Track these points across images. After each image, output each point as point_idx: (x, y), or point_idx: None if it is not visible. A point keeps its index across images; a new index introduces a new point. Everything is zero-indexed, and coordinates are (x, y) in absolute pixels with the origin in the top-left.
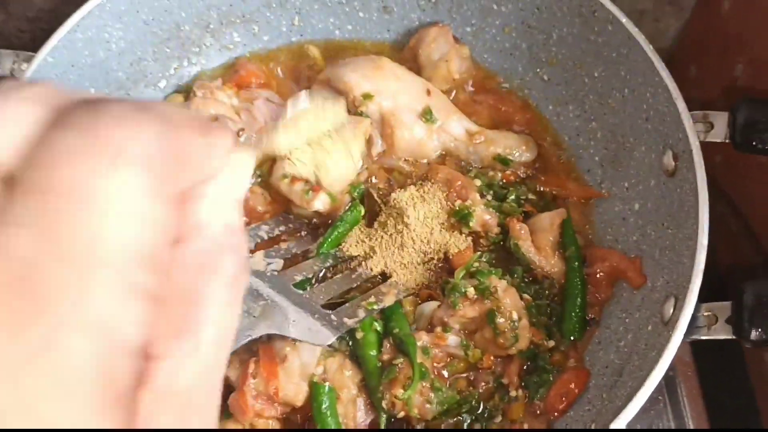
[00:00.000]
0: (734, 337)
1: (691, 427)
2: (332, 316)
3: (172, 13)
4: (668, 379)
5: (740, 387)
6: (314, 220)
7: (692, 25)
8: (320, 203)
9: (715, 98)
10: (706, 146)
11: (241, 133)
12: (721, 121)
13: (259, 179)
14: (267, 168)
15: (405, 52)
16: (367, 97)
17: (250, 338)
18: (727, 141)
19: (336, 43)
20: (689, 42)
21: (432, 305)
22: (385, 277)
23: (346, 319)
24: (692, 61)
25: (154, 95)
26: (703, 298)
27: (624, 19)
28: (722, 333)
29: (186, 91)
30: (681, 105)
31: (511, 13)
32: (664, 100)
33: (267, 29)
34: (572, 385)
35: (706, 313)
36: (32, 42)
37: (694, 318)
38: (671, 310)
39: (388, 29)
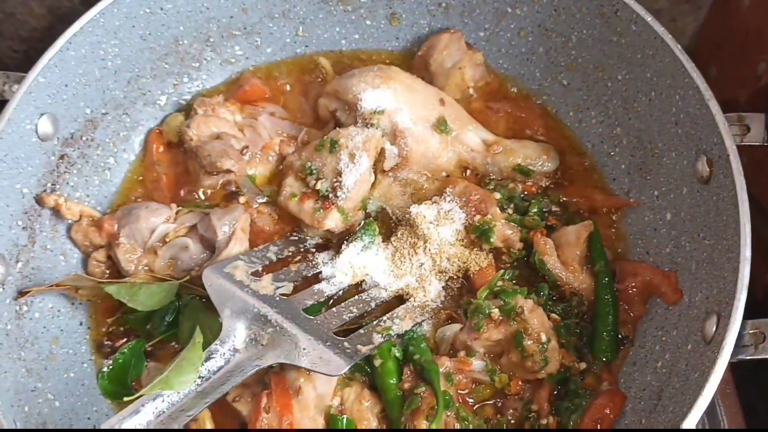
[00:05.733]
0: None
1: None
2: (345, 344)
3: (169, 27)
4: None
5: None
6: (326, 238)
7: (710, 23)
8: (332, 222)
9: (741, 99)
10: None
11: (245, 150)
12: (757, 123)
13: (267, 198)
14: (274, 186)
15: (415, 60)
16: (378, 108)
17: (258, 368)
18: (765, 144)
19: (344, 53)
20: (707, 41)
21: (454, 328)
22: (401, 298)
23: (360, 347)
24: (712, 60)
25: (153, 113)
26: (745, 314)
27: (649, 18)
28: None
29: (187, 109)
30: (714, 107)
31: (526, 16)
32: (695, 102)
33: (270, 41)
34: (607, 410)
35: (752, 331)
36: (26, 62)
37: (739, 336)
38: (714, 329)
39: (397, 37)
